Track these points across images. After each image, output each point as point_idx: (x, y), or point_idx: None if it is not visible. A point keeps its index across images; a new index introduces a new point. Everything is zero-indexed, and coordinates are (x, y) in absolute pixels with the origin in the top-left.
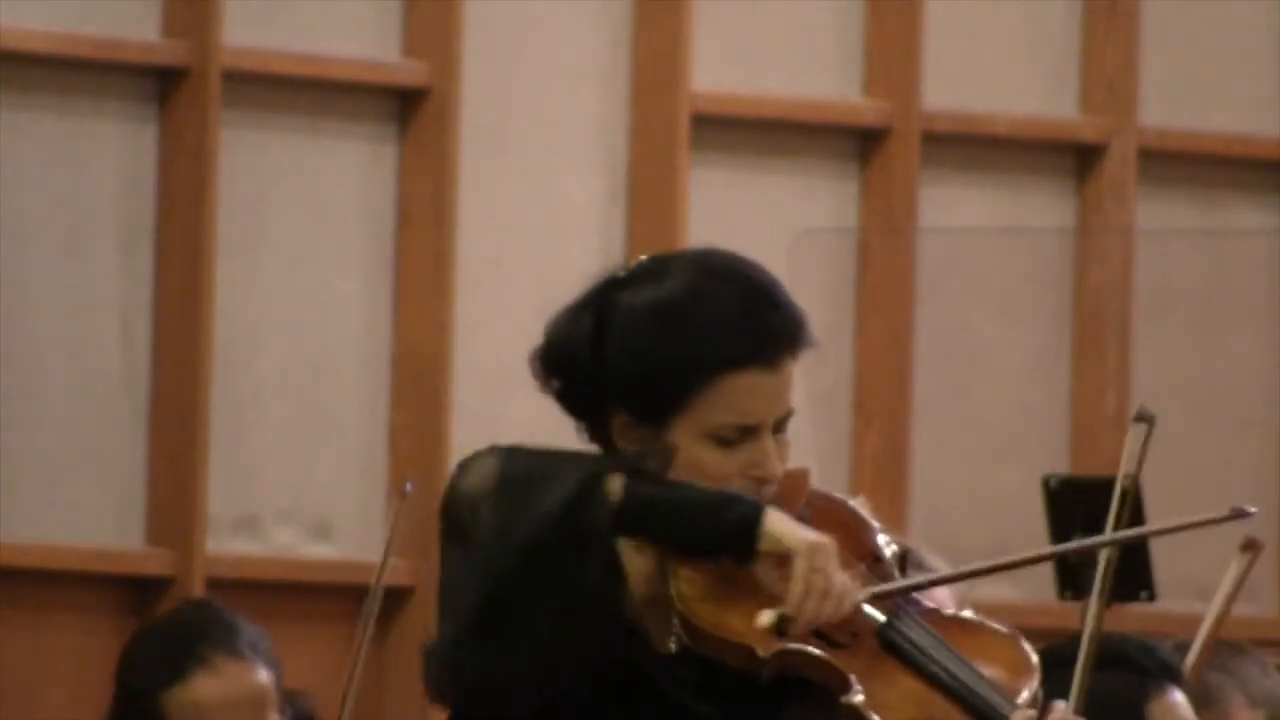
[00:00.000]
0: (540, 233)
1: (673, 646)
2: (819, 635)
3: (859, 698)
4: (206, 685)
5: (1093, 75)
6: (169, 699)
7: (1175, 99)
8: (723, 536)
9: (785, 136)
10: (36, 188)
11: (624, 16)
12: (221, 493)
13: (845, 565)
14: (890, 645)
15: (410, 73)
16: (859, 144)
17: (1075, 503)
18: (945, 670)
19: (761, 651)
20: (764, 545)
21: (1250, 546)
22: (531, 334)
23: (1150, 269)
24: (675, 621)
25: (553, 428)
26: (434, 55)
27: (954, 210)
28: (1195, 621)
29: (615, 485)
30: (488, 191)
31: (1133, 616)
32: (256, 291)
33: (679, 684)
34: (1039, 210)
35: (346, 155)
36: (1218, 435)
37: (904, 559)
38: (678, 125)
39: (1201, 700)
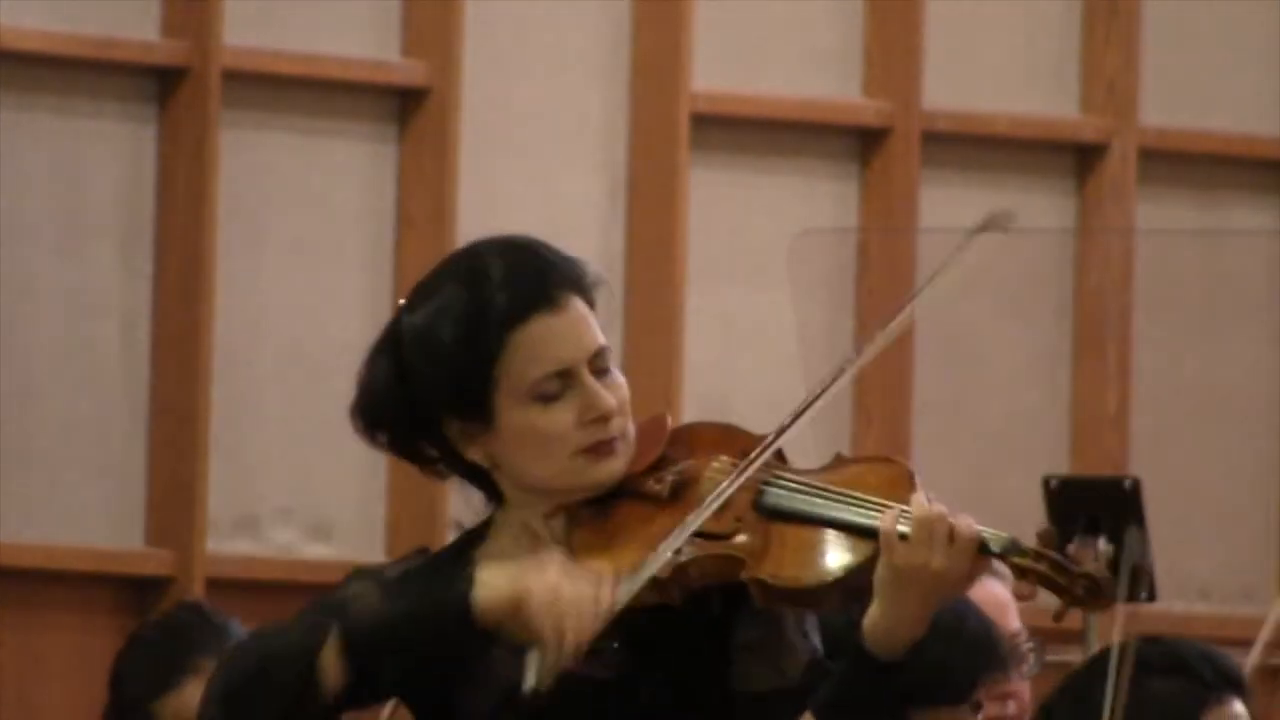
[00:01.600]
0: (540, 233)
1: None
2: (702, 535)
3: (742, 542)
4: (198, 693)
5: (1093, 75)
6: (162, 708)
7: (1175, 99)
8: (451, 637)
9: (785, 136)
10: (36, 188)
11: (624, 16)
12: (221, 493)
13: (703, 460)
14: (768, 510)
15: (410, 73)
16: (859, 144)
17: (1075, 502)
18: (825, 505)
19: (662, 574)
20: (490, 618)
21: None
22: None
23: (1150, 269)
24: None
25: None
26: (434, 55)
27: (954, 210)
28: (1195, 621)
29: (329, 657)
30: (488, 191)
31: (1132, 616)
32: (256, 291)
33: (604, 667)
34: (1039, 210)
35: (346, 155)
36: (1218, 435)
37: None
38: (678, 125)
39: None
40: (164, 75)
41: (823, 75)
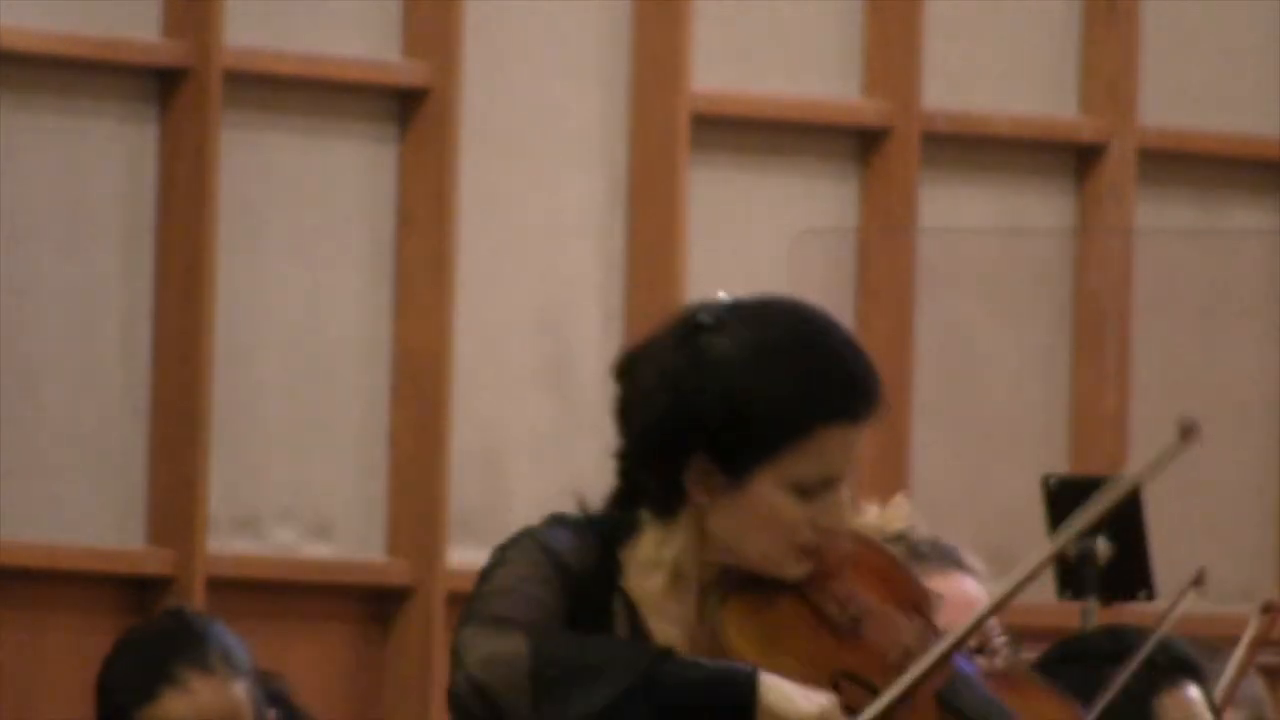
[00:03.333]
0: (540, 233)
1: None
2: (871, 690)
3: None
4: (177, 704)
5: (1093, 75)
6: (142, 718)
7: (1175, 99)
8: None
9: (785, 136)
10: (36, 188)
11: (624, 16)
12: (222, 492)
13: (895, 622)
14: (950, 705)
15: (410, 73)
16: (859, 144)
17: (1075, 503)
18: None
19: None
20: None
21: (1270, 610)
22: (531, 334)
23: (1150, 269)
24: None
25: (550, 431)
26: (434, 55)
27: (954, 210)
28: (1194, 621)
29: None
30: (488, 191)
31: (1132, 616)
32: (257, 291)
33: None
34: (1039, 210)
35: (346, 155)
36: (1218, 435)
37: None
38: (678, 125)
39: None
40: (165, 76)
41: (823, 75)
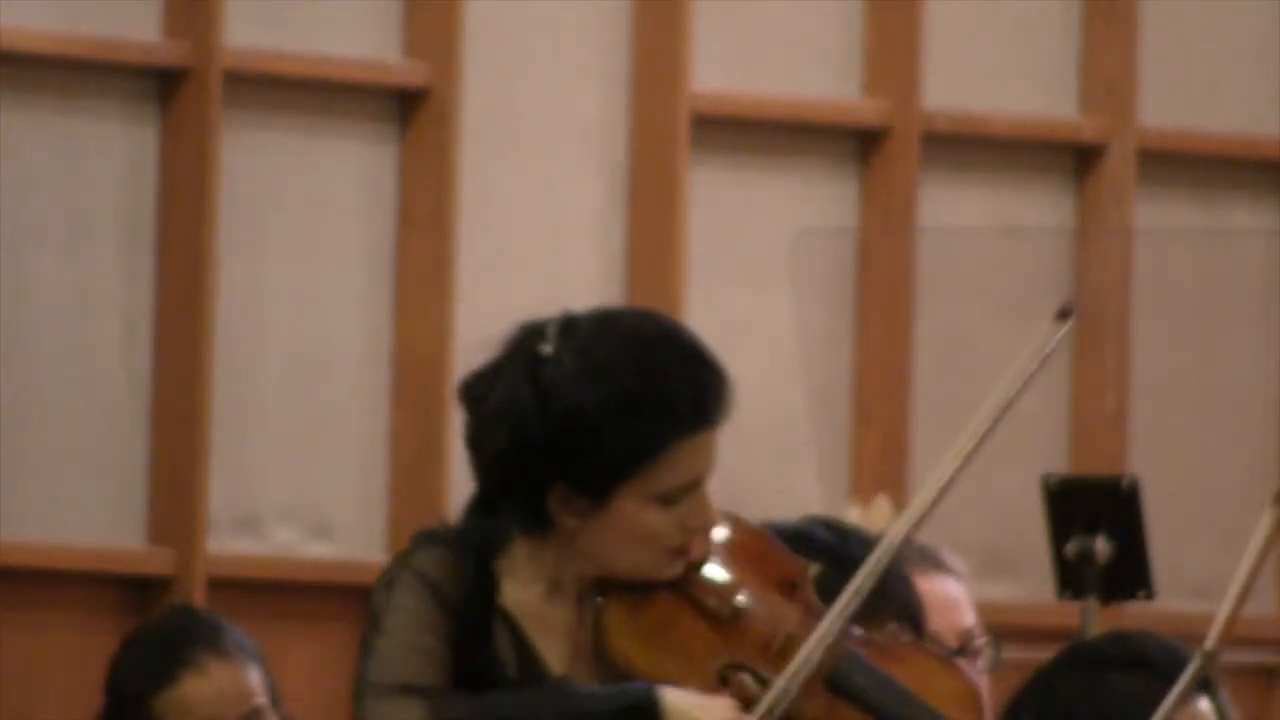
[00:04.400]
0: (540, 233)
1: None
2: (758, 678)
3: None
4: (196, 686)
5: (1092, 75)
6: (160, 702)
7: (1175, 99)
8: None
9: (785, 136)
10: (37, 188)
11: (624, 16)
12: (222, 492)
13: (776, 607)
14: (839, 687)
15: (410, 73)
16: (859, 144)
17: (1074, 502)
18: (895, 706)
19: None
20: None
21: None
22: None
23: (1150, 269)
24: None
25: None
26: (434, 55)
27: (954, 210)
28: (1193, 621)
29: None
30: (488, 192)
31: (1131, 616)
32: (257, 292)
33: None
34: (1038, 210)
35: (347, 155)
36: (1218, 435)
37: (821, 579)
38: (678, 125)
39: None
40: (165, 76)
41: (823, 75)
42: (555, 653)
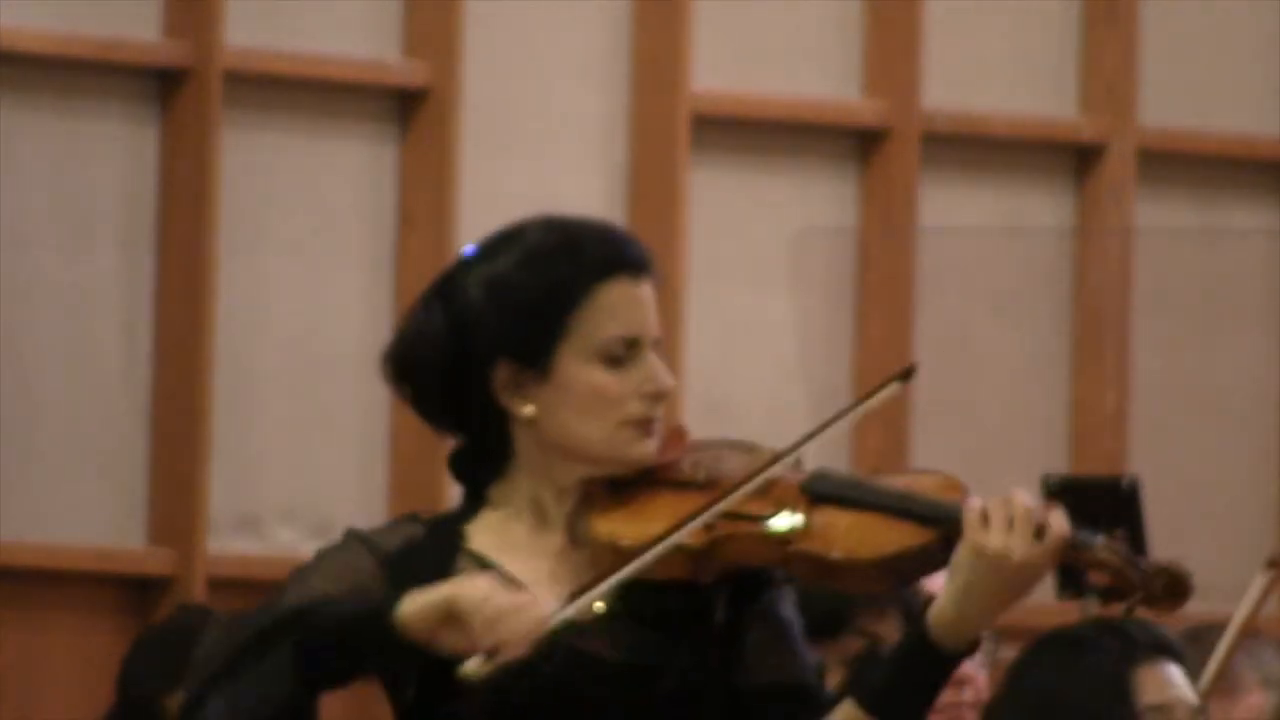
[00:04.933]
0: None
1: (600, 607)
2: (738, 517)
3: (790, 521)
4: None
5: (1092, 75)
6: (171, 703)
7: (1175, 99)
8: (388, 651)
9: (785, 136)
10: (37, 188)
11: (624, 16)
12: (222, 492)
13: (741, 463)
14: (819, 495)
15: (410, 73)
16: (858, 144)
17: (1075, 502)
18: (882, 494)
19: (694, 543)
20: (418, 631)
21: (1276, 564)
22: None
23: (1150, 269)
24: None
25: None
26: (434, 55)
27: (954, 210)
28: (1193, 622)
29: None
30: (488, 191)
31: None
32: (257, 291)
33: (613, 646)
34: (1039, 210)
35: (347, 155)
36: (1218, 435)
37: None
38: (678, 125)
39: (1217, 680)
40: (165, 76)
41: (823, 75)
42: (533, 571)
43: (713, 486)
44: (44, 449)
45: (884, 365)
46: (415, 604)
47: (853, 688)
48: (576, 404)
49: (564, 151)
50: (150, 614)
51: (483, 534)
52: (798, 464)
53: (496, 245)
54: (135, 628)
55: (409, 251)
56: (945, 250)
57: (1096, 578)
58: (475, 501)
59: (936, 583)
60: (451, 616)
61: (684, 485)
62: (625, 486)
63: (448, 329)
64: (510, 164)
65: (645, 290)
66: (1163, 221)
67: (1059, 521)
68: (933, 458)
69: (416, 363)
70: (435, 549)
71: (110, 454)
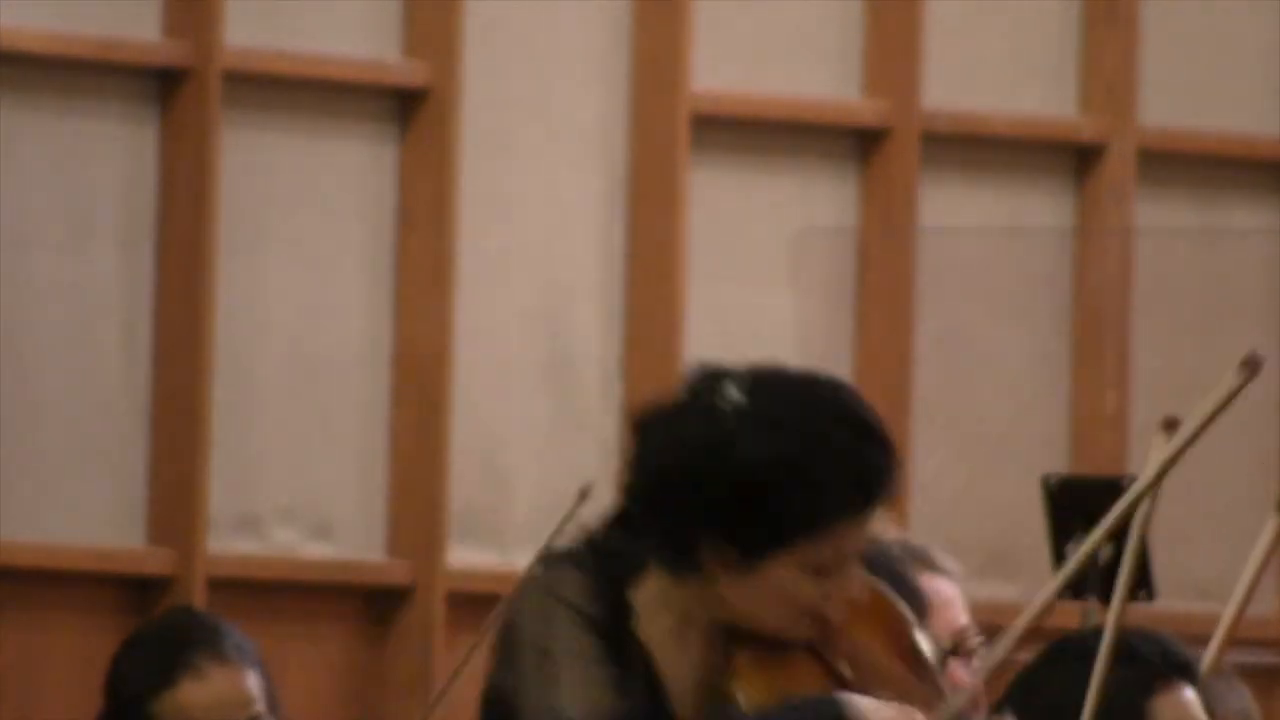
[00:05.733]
0: (540, 233)
1: None
2: None
3: None
4: (194, 690)
5: (1092, 75)
6: (158, 706)
7: (1175, 99)
8: None
9: (785, 136)
10: (37, 188)
11: (624, 16)
12: (222, 492)
13: (904, 683)
14: None
15: (410, 73)
16: (859, 144)
17: (1075, 502)
18: None
19: None
20: None
21: None
22: (531, 333)
23: (1150, 269)
24: None
25: (550, 431)
26: (434, 55)
27: (954, 210)
28: (1194, 622)
29: None
30: (488, 191)
31: (1132, 617)
32: (257, 291)
33: None
34: (1039, 210)
35: (347, 155)
36: (1218, 435)
37: (945, 656)
38: (678, 125)
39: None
40: (165, 76)
41: (823, 75)
42: (679, 689)
43: (863, 691)
44: (44, 449)
45: (884, 365)
46: (863, 706)
47: None
48: (767, 599)
49: (564, 151)
50: (150, 614)
51: (643, 613)
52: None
53: (771, 419)
54: (133, 629)
55: (409, 251)
56: (945, 250)
57: None
58: (639, 552)
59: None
60: None
61: (835, 679)
62: (776, 644)
63: (695, 471)
64: (510, 164)
65: (875, 515)
66: (1163, 221)
67: None
68: (933, 457)
69: (660, 461)
70: (612, 620)
71: (110, 454)
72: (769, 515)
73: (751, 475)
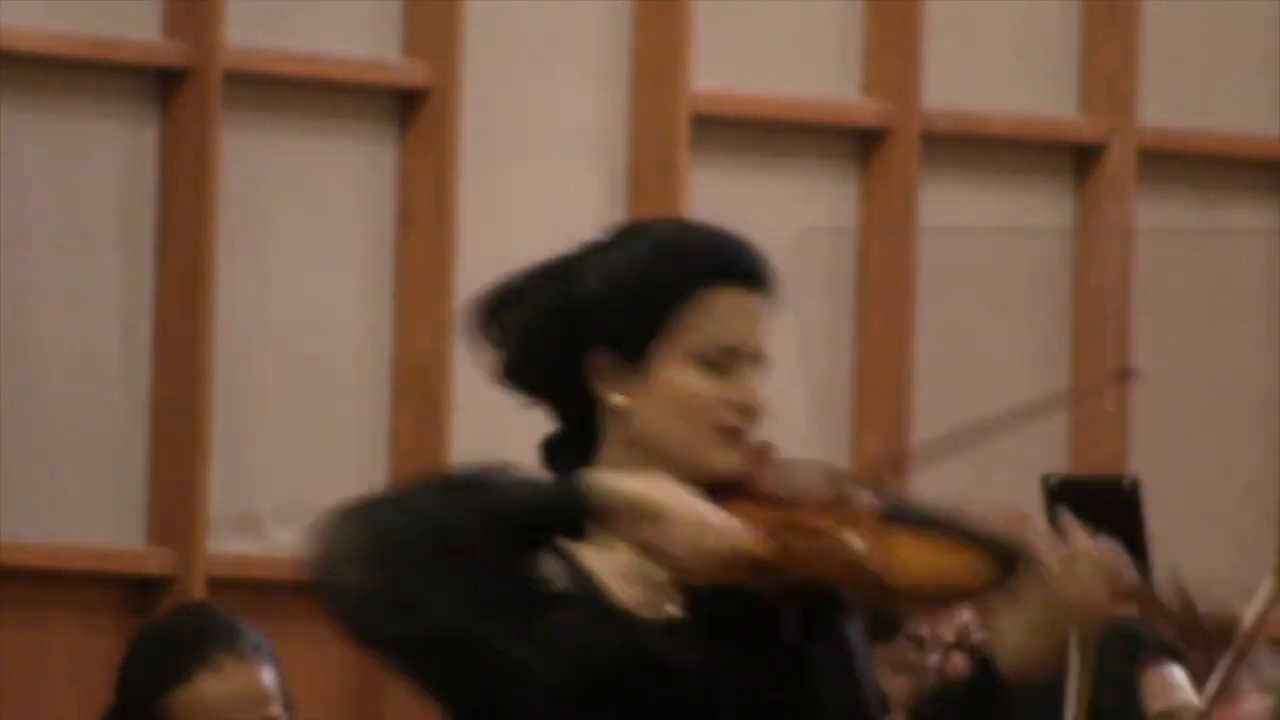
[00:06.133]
0: (540, 233)
1: (671, 610)
2: (811, 532)
3: (860, 541)
4: (211, 685)
5: (1092, 75)
6: (174, 700)
7: (1175, 99)
8: (558, 509)
9: (785, 136)
10: (36, 188)
11: (624, 16)
12: (222, 492)
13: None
14: (893, 519)
15: (410, 73)
16: (859, 144)
17: (1074, 502)
18: (953, 523)
19: (763, 551)
20: (609, 507)
21: None
22: None
23: (1150, 269)
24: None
25: (550, 430)
26: (434, 55)
27: (954, 210)
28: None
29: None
30: (488, 191)
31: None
32: (257, 291)
33: (682, 651)
34: (1038, 210)
35: (346, 155)
36: (1218, 435)
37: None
38: (678, 125)
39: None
40: (165, 76)
41: (823, 75)
42: (607, 564)
43: (795, 504)
44: (44, 449)
45: (884, 365)
46: (618, 482)
47: None
48: (667, 402)
49: (564, 151)
50: (150, 614)
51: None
52: (875, 487)
53: (622, 235)
54: (135, 628)
55: (409, 251)
56: (945, 250)
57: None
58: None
59: None
60: (646, 513)
61: (765, 499)
62: (707, 497)
63: (560, 306)
64: (510, 164)
65: (756, 304)
66: (1163, 221)
67: (1126, 571)
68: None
69: (518, 326)
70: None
71: (110, 454)
72: (633, 297)
73: (605, 265)
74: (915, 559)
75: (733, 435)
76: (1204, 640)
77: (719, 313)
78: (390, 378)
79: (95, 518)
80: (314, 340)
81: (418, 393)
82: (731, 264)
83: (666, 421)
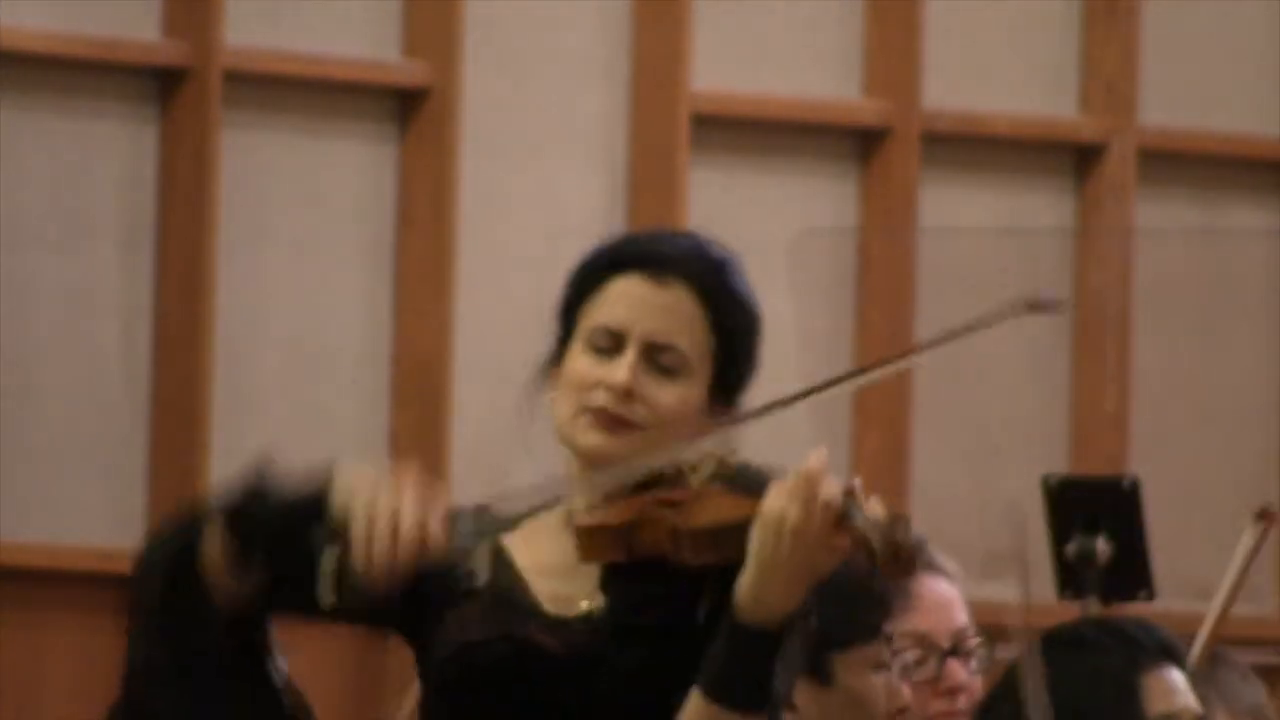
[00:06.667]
0: (540, 233)
1: (586, 605)
2: (659, 504)
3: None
4: None
5: (1093, 75)
6: None
7: (1175, 99)
8: (306, 516)
9: (785, 136)
10: (36, 188)
11: (624, 16)
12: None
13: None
14: (718, 476)
15: (410, 73)
16: (859, 144)
17: (1075, 502)
18: (752, 475)
19: (615, 521)
20: (337, 503)
21: (1265, 517)
22: (531, 334)
23: (1150, 269)
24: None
25: (551, 431)
26: (434, 55)
27: (954, 210)
28: (1195, 621)
29: (213, 542)
30: (488, 191)
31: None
32: (257, 291)
33: (575, 643)
34: (1039, 210)
35: (346, 155)
36: (1218, 435)
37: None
38: (678, 125)
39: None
40: (165, 75)
41: (823, 75)
42: (535, 559)
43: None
44: (44, 449)
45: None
46: (345, 476)
47: (697, 678)
48: (561, 385)
49: (564, 151)
50: None
51: (520, 533)
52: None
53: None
54: None
55: (409, 251)
56: (945, 250)
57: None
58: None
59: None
60: (350, 497)
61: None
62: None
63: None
64: (510, 164)
65: (661, 295)
66: (1163, 221)
67: (832, 491)
68: (933, 457)
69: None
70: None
71: (110, 454)
72: (560, 307)
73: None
74: (700, 509)
75: (601, 416)
76: (901, 570)
77: (607, 298)
78: (390, 378)
79: (95, 517)
80: (314, 340)
81: (418, 392)
82: (628, 255)
83: (557, 406)
